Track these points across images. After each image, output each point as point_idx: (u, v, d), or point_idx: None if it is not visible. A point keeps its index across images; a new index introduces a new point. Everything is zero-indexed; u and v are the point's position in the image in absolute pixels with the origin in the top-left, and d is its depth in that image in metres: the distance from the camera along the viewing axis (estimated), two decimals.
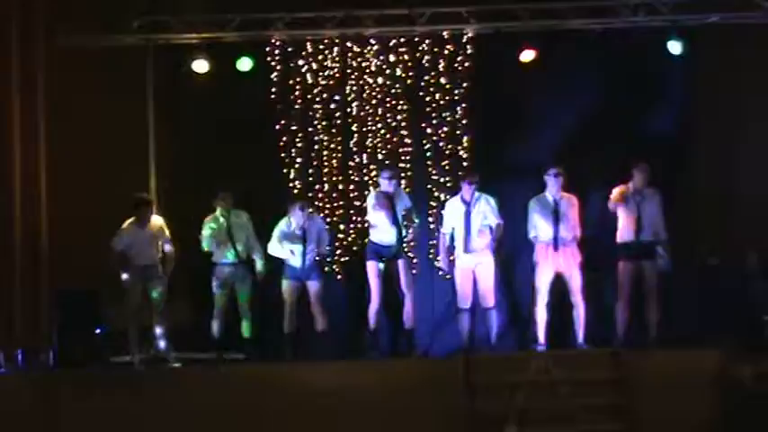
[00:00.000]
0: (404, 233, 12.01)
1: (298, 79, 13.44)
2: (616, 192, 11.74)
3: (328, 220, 13.09)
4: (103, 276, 12.12)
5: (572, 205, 11.76)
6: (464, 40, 13.37)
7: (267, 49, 13.39)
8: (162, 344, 11.98)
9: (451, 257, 11.94)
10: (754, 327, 11.67)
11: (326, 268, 13.01)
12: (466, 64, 13.39)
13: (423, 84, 13.45)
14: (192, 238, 12.24)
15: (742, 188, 13.02)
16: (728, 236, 12.73)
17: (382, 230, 11.99)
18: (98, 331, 12.30)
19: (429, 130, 13.41)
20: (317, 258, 12.34)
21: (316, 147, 13.42)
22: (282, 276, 12.10)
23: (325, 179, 13.37)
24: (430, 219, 13.17)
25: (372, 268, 11.99)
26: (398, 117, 13.46)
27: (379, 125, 13.41)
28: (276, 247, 12.09)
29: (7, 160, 12.05)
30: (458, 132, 13.38)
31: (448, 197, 12.58)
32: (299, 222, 12.04)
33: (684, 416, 10.77)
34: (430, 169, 13.32)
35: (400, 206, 11.98)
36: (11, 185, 12.04)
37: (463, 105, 13.38)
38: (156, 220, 12.19)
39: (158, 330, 12.01)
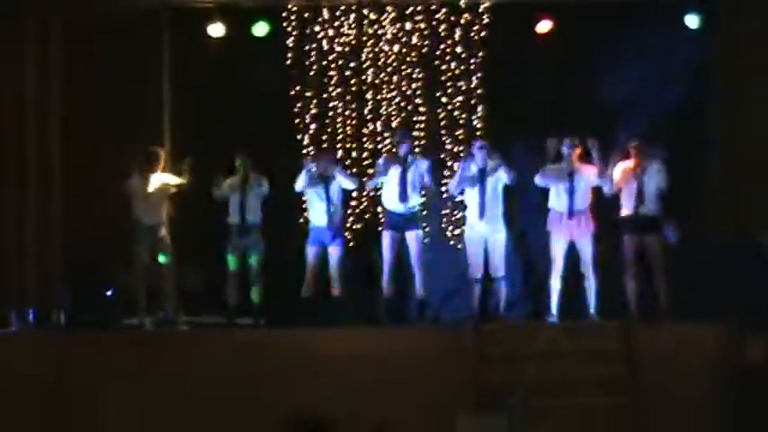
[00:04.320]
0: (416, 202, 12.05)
1: (313, 45, 13.40)
2: (620, 171, 11.79)
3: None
4: (114, 238, 12.19)
5: (588, 175, 11.76)
6: (481, 10, 13.31)
7: (284, 14, 13.35)
8: (170, 307, 12.02)
9: (462, 227, 11.98)
10: (765, 305, 11.66)
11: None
12: (482, 33, 13.33)
13: (438, 52, 13.39)
14: (207, 203, 12.27)
15: (757, 164, 12.95)
16: (741, 212, 12.69)
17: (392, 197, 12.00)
18: (108, 293, 12.36)
19: (444, 99, 13.38)
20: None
21: (330, 113, 13.39)
22: (307, 242, 12.08)
23: (338, 146, 13.35)
24: (443, 188, 13.17)
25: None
26: (413, 85, 13.43)
27: (394, 93, 13.39)
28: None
29: (22, 127, 12.07)
30: (472, 102, 13.35)
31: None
32: (320, 169, 12.03)
33: (691, 391, 10.80)
34: (444, 138, 13.31)
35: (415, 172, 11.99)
36: (24, 150, 12.06)
37: (478, 75, 13.32)
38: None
39: (167, 293, 12.05)
